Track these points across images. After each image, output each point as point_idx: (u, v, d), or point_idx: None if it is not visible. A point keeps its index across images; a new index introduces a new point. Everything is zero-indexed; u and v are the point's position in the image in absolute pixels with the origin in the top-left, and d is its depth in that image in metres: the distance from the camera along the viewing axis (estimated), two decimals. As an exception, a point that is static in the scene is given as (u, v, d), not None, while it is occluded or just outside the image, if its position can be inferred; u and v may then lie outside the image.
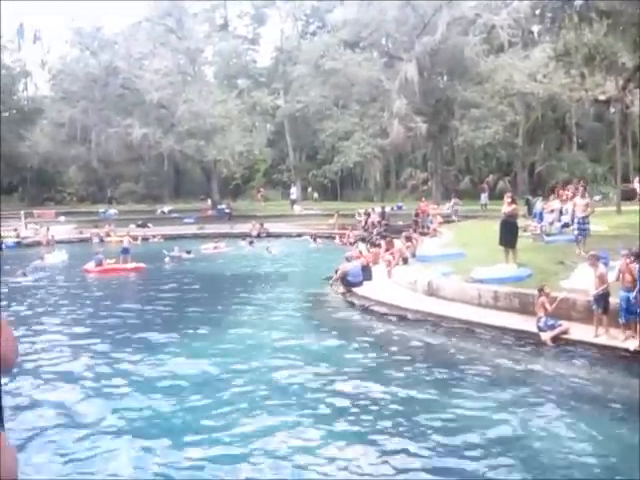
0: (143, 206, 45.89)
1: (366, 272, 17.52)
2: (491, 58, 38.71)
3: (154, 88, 41.42)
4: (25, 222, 38.07)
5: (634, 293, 10.05)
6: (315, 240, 31.41)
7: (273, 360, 11.00)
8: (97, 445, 7.54)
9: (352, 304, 15.71)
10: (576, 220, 16.35)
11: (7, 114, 51.56)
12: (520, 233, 16.05)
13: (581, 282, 11.78)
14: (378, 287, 16.62)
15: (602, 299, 10.59)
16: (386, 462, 6.93)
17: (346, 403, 8.75)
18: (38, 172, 49.95)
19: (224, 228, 37.00)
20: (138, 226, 37.95)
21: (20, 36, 54.07)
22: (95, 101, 44.72)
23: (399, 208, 38.15)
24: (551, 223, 21.10)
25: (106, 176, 50.01)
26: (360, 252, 20.18)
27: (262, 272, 22.77)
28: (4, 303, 16.26)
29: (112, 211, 42.81)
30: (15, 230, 34.76)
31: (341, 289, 17.05)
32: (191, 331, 13.45)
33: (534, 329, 11.24)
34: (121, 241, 26.48)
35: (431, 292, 14.94)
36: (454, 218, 32.40)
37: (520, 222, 16.82)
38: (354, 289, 16.70)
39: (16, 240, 33.53)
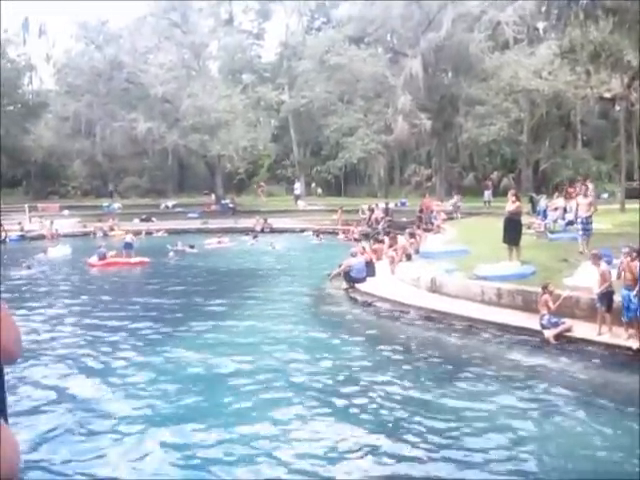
0: (147, 200, 45.89)
1: (370, 268, 17.54)
2: (496, 55, 38.50)
3: (159, 82, 41.38)
4: (29, 216, 38.16)
5: (634, 291, 10.05)
6: (318, 236, 31.34)
7: (277, 354, 11.06)
8: (98, 440, 7.59)
9: (355, 300, 15.75)
10: (579, 220, 16.31)
11: (12, 108, 51.52)
12: (524, 230, 16.04)
13: (585, 280, 11.77)
14: (381, 283, 16.64)
15: (605, 297, 10.59)
16: (386, 459, 6.96)
17: (348, 398, 8.78)
18: (42, 166, 50.00)
19: (228, 223, 36.94)
20: (142, 220, 38.04)
21: (25, 30, 54.18)
22: (100, 95, 44.68)
23: (403, 204, 38.09)
24: (555, 221, 21.12)
25: (110, 170, 50.03)
26: (363, 248, 20.19)
27: (266, 267, 22.81)
28: (7, 296, 16.32)
29: (116, 205, 42.81)
30: (19, 224, 34.81)
31: (344, 284, 17.07)
32: (194, 324, 13.54)
33: (537, 327, 11.26)
34: (124, 236, 26.54)
35: (434, 289, 14.96)
36: (456, 215, 32.27)
37: (524, 219, 16.79)
38: (357, 285, 16.73)
39: (20, 234, 33.61)
